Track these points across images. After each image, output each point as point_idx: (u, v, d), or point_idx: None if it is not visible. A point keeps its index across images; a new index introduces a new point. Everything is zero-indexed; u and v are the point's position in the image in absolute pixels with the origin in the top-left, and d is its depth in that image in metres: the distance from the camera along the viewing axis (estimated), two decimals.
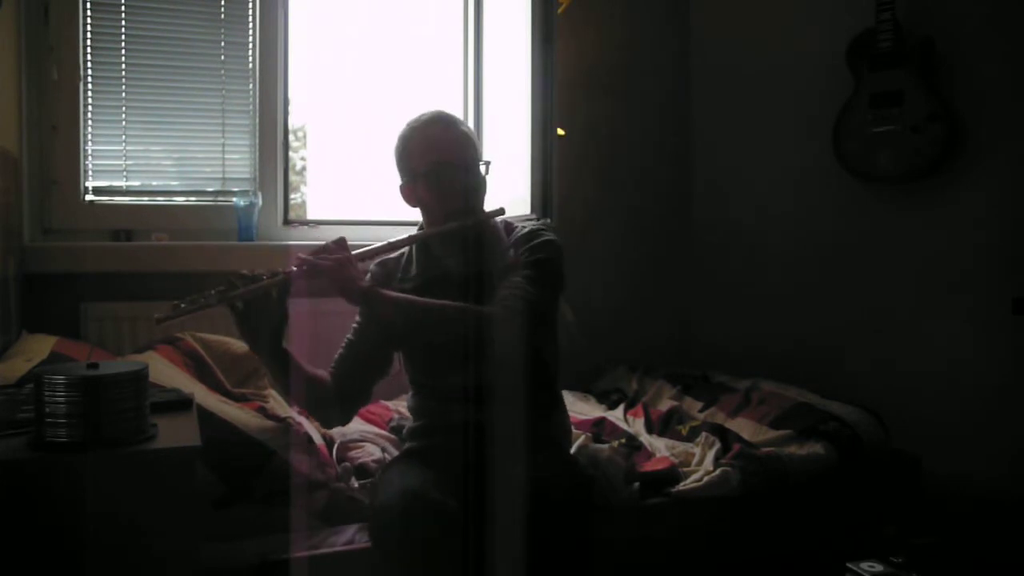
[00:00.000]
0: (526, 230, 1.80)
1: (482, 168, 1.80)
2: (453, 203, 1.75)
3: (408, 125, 1.82)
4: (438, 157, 1.74)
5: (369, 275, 1.87)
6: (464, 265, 1.78)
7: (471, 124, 2.86)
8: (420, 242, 1.83)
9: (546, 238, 1.77)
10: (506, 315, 1.65)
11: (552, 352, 1.87)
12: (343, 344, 1.82)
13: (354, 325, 1.83)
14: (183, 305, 1.55)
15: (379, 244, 1.75)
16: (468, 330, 1.64)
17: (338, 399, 1.76)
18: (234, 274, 1.61)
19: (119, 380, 1.21)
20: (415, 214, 1.88)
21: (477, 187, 1.79)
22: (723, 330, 3.10)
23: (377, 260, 1.87)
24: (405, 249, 1.87)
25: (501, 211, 1.82)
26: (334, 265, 1.63)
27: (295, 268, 1.62)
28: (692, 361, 3.04)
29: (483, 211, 1.81)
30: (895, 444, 2.22)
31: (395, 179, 1.87)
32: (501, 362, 1.67)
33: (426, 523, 1.49)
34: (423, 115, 1.82)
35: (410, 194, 1.82)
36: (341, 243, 1.68)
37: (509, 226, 1.85)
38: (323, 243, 1.68)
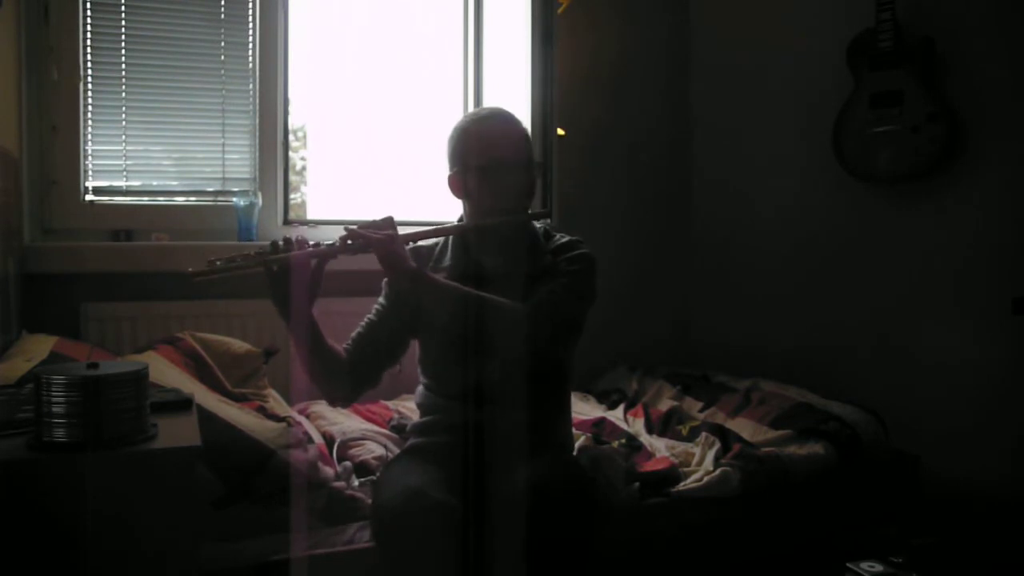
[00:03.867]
0: (565, 240, 1.83)
1: (534, 171, 1.80)
2: (503, 201, 1.75)
3: (467, 118, 1.82)
4: (495, 154, 1.74)
5: None
6: (500, 263, 1.79)
7: None
8: (461, 234, 1.83)
9: (584, 251, 1.80)
10: (541, 318, 1.66)
11: (571, 360, 1.88)
12: (362, 323, 1.82)
13: (376, 307, 1.83)
14: (219, 263, 1.55)
15: (426, 228, 1.75)
16: (504, 325, 1.65)
17: (349, 377, 1.76)
18: (281, 239, 1.61)
19: (119, 380, 1.21)
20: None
21: (528, 188, 1.79)
22: (723, 330, 3.09)
23: (410, 246, 1.86)
24: (441, 239, 1.88)
25: (548, 214, 1.83)
26: (385, 240, 1.62)
27: (339, 241, 1.63)
28: (692, 361, 3.04)
29: (529, 212, 1.81)
30: (895, 444, 2.23)
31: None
32: (528, 362, 1.69)
33: (428, 522, 1.49)
34: (483, 110, 1.85)
35: (458, 186, 1.80)
36: (389, 221, 1.67)
37: (547, 233, 1.87)
38: (371, 220, 1.67)
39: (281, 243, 1.61)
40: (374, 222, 1.67)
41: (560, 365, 1.84)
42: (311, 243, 1.63)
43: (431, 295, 1.67)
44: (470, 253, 1.82)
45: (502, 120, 1.80)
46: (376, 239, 1.62)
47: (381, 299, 1.84)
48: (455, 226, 1.80)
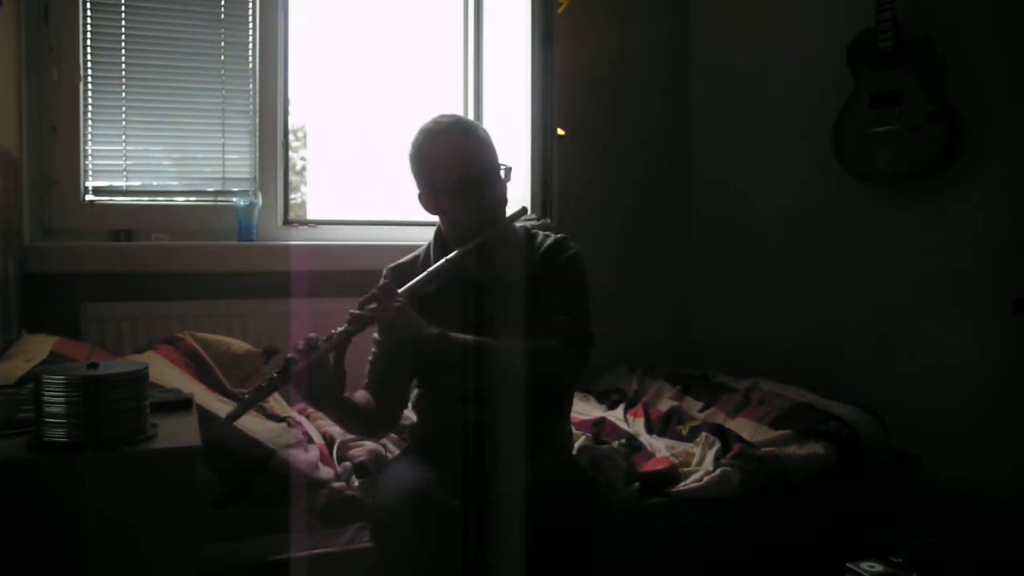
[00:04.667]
0: (551, 241, 1.80)
1: (502, 173, 1.74)
2: (481, 214, 1.71)
3: (424, 133, 1.73)
4: (464, 170, 1.67)
5: (383, 280, 1.82)
6: (490, 272, 1.76)
7: None
8: (447, 255, 1.73)
9: (573, 251, 1.78)
10: (565, 351, 1.68)
11: None
12: (370, 360, 1.82)
13: (374, 337, 1.82)
14: (247, 396, 1.56)
15: (421, 277, 1.67)
16: (527, 366, 1.64)
17: (383, 414, 1.80)
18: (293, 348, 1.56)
19: (119, 380, 1.21)
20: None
21: (503, 195, 1.75)
22: (723, 330, 3.10)
23: (391, 265, 1.85)
24: (421, 251, 1.86)
25: (524, 211, 1.80)
26: (395, 317, 1.60)
27: (348, 325, 1.58)
28: (692, 361, 3.04)
29: (506, 216, 1.77)
30: (895, 444, 2.23)
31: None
32: (545, 387, 1.70)
33: (427, 522, 1.49)
34: (440, 121, 1.73)
35: (431, 204, 1.75)
36: (391, 290, 1.62)
37: (529, 233, 1.84)
38: (370, 292, 1.62)
39: (296, 354, 1.54)
40: (374, 294, 1.61)
41: None
42: (318, 340, 1.56)
43: (455, 354, 1.64)
44: (457, 265, 1.78)
45: (460, 132, 1.71)
46: (387, 317, 1.60)
47: (375, 335, 1.82)
48: (446, 263, 1.69)
